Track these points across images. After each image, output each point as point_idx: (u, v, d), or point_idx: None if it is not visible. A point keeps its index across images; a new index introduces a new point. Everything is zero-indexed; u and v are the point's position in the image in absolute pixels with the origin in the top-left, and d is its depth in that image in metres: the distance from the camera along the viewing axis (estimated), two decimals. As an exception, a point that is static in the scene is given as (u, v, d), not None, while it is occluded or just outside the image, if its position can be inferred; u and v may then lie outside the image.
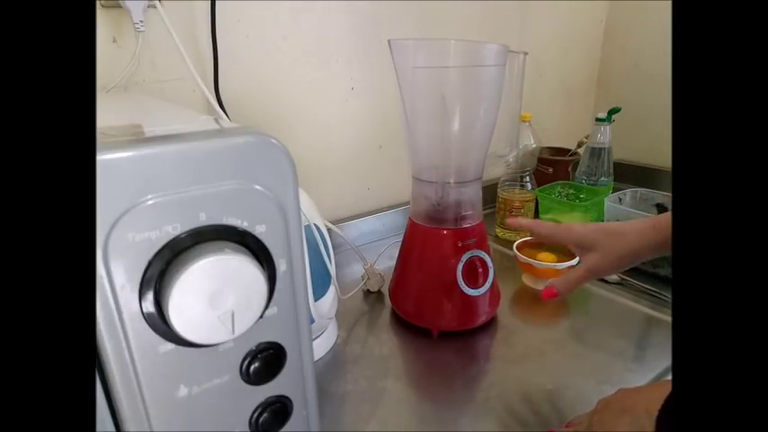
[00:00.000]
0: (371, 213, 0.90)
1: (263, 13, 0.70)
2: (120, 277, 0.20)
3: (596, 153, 0.91)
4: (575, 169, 0.97)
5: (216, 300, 0.21)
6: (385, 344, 0.60)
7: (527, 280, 0.75)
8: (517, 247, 0.74)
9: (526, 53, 0.56)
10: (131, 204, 0.20)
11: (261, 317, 0.24)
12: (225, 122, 0.27)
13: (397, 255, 0.65)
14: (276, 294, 0.25)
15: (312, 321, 0.38)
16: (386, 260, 0.74)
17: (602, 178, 0.91)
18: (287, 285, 0.26)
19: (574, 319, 0.66)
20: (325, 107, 0.81)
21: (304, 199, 0.54)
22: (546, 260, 0.72)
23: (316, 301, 0.52)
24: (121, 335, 0.21)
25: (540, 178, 0.95)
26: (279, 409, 0.27)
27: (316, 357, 0.55)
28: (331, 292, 0.55)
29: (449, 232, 0.59)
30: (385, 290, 0.70)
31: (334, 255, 0.57)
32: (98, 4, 0.58)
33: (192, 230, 0.22)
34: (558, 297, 0.47)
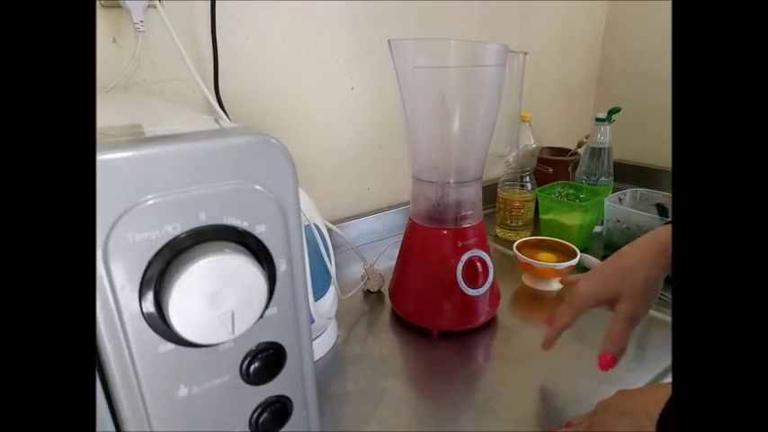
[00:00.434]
0: (371, 213, 0.90)
1: (263, 13, 0.70)
2: (120, 277, 0.20)
3: (596, 153, 0.91)
4: (575, 169, 0.97)
5: (216, 300, 0.21)
6: (385, 344, 0.60)
7: (527, 280, 0.75)
8: (517, 247, 0.74)
9: (526, 53, 0.56)
10: (131, 204, 0.20)
11: (261, 317, 0.24)
12: (225, 122, 0.27)
13: (397, 255, 0.65)
14: (276, 294, 0.25)
15: (312, 321, 0.38)
16: (386, 260, 0.74)
17: (602, 178, 0.91)
18: (287, 285, 0.26)
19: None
20: (325, 107, 0.81)
21: (304, 199, 0.54)
22: (546, 260, 0.72)
23: (316, 301, 0.52)
24: (121, 335, 0.21)
25: (540, 178, 0.95)
26: (279, 409, 0.27)
27: (316, 357, 0.55)
28: (331, 292, 0.55)
29: (449, 232, 0.59)
30: (385, 290, 0.70)
31: (335, 255, 0.57)
32: (98, 4, 0.58)
33: (191, 230, 0.22)
34: (617, 363, 0.45)
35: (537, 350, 0.58)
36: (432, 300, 0.60)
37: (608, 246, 0.83)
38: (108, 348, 0.21)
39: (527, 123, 0.96)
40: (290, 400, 0.28)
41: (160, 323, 0.22)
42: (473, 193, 0.61)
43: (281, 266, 0.25)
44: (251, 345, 0.25)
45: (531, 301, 0.71)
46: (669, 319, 0.63)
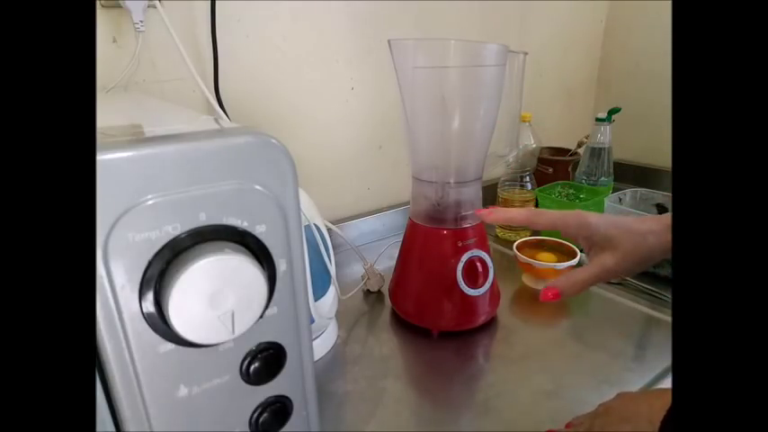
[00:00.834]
0: (371, 213, 0.90)
1: (263, 13, 0.70)
2: (120, 277, 0.20)
3: (596, 153, 0.91)
4: (575, 169, 0.97)
5: (216, 300, 0.21)
6: (385, 344, 0.60)
7: (527, 280, 0.75)
8: (517, 247, 0.74)
9: (526, 53, 0.56)
10: (131, 204, 0.20)
11: (261, 317, 0.24)
12: (225, 122, 0.27)
13: (397, 255, 0.65)
14: (276, 294, 0.25)
15: (312, 321, 0.38)
16: (386, 260, 0.74)
17: (602, 178, 0.91)
18: (287, 285, 0.26)
19: (574, 319, 0.66)
20: (325, 107, 0.81)
21: (304, 199, 0.54)
22: (546, 260, 0.72)
23: (316, 301, 0.52)
24: (121, 335, 0.21)
25: (540, 178, 0.95)
26: (279, 409, 0.27)
27: (316, 357, 0.55)
28: (331, 292, 0.55)
29: (449, 232, 0.59)
30: (385, 290, 0.70)
31: (335, 255, 0.57)
32: (98, 4, 0.58)
33: (191, 230, 0.22)
34: (560, 299, 0.42)
35: (537, 350, 0.59)
36: (432, 300, 0.60)
37: (608, 246, 0.83)
38: (108, 348, 0.21)
39: (527, 123, 0.96)
40: (290, 400, 0.28)
41: (160, 323, 0.22)
42: (473, 193, 0.61)
43: (281, 266, 0.25)
44: (251, 345, 0.25)
45: (531, 301, 0.71)
46: (669, 319, 0.63)
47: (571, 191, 0.91)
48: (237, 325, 0.23)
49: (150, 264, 0.21)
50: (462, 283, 0.58)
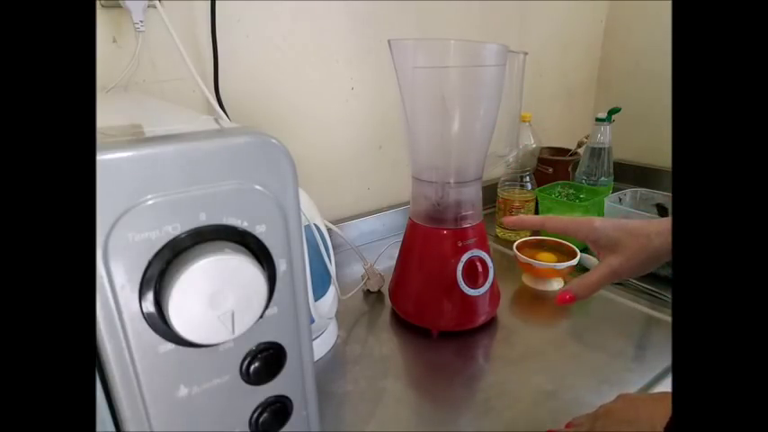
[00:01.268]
0: (371, 213, 0.90)
1: (263, 13, 0.70)
2: (120, 277, 0.20)
3: (596, 153, 0.91)
4: (575, 169, 0.97)
5: (216, 300, 0.21)
6: (385, 344, 0.60)
7: (527, 280, 0.75)
8: (517, 247, 0.74)
9: (526, 53, 0.56)
10: (131, 204, 0.20)
11: (261, 317, 0.24)
12: (225, 122, 0.27)
13: (397, 255, 0.65)
14: (276, 294, 0.25)
15: (312, 321, 0.38)
16: (386, 260, 0.74)
17: (602, 178, 0.91)
18: (287, 285, 0.26)
19: (574, 319, 0.66)
20: (325, 107, 0.81)
21: (304, 199, 0.54)
22: (546, 260, 0.72)
23: (316, 301, 0.52)
24: (121, 335, 0.21)
25: (540, 178, 0.95)
26: (279, 409, 0.27)
27: (316, 357, 0.55)
28: (331, 292, 0.55)
29: (449, 232, 0.59)
30: (385, 290, 0.70)
31: (335, 255, 0.57)
32: (98, 4, 0.58)
33: (191, 230, 0.22)
34: (575, 301, 0.44)
35: (537, 350, 0.59)
36: (432, 300, 0.60)
37: (608, 246, 0.83)
38: (108, 348, 0.21)
39: (527, 123, 0.96)
40: (290, 400, 0.28)
41: (160, 323, 0.22)
42: (473, 193, 0.61)
43: (281, 266, 0.25)
44: (251, 345, 0.25)
45: (531, 301, 0.71)
46: (669, 319, 0.63)
47: (571, 191, 0.91)
48: (237, 325, 0.23)
49: (150, 264, 0.21)
50: (462, 283, 0.58)
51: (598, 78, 1.26)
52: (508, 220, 0.51)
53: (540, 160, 0.99)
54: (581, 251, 0.73)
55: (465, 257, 0.58)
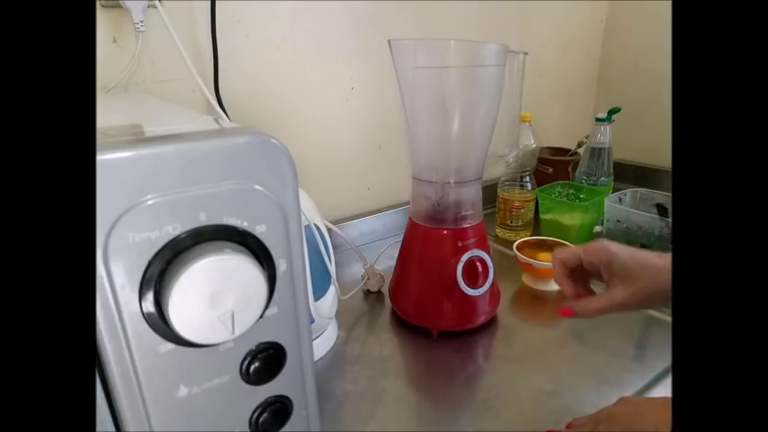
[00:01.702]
0: (371, 213, 0.90)
1: (263, 13, 0.70)
2: (120, 277, 0.20)
3: (596, 153, 0.91)
4: (575, 169, 0.97)
5: (216, 300, 0.21)
6: (385, 344, 0.60)
7: (527, 280, 0.75)
8: (517, 247, 0.74)
9: (526, 53, 0.56)
10: (131, 204, 0.20)
11: (261, 317, 0.24)
12: (225, 122, 0.27)
13: (397, 255, 0.65)
14: (276, 294, 0.25)
15: (312, 321, 0.38)
16: (386, 260, 0.74)
17: (602, 178, 0.91)
18: (287, 285, 0.26)
19: (574, 320, 0.66)
20: (325, 107, 0.81)
21: (304, 199, 0.54)
22: (546, 260, 0.72)
23: (316, 301, 0.52)
24: (121, 335, 0.21)
25: (540, 178, 0.95)
26: (279, 409, 0.27)
27: (316, 357, 0.55)
28: (331, 292, 0.55)
29: (449, 232, 0.59)
30: (385, 290, 0.70)
31: (335, 255, 0.57)
32: (98, 4, 0.58)
33: (191, 230, 0.22)
34: (575, 318, 0.46)
35: (537, 350, 0.59)
36: (432, 300, 0.60)
37: (608, 246, 0.83)
38: (108, 348, 0.21)
39: (527, 123, 0.96)
40: (290, 400, 0.28)
41: (160, 323, 0.22)
42: (473, 193, 0.61)
43: (281, 266, 0.25)
44: (251, 345, 0.25)
45: (531, 301, 0.71)
46: (669, 319, 0.63)
47: (571, 191, 0.91)
48: (237, 325, 0.23)
49: (150, 264, 0.21)
50: (462, 283, 0.58)
51: (598, 78, 1.25)
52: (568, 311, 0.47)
53: (540, 160, 0.99)
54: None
55: (465, 257, 0.58)
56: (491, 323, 0.63)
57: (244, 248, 0.23)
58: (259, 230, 0.24)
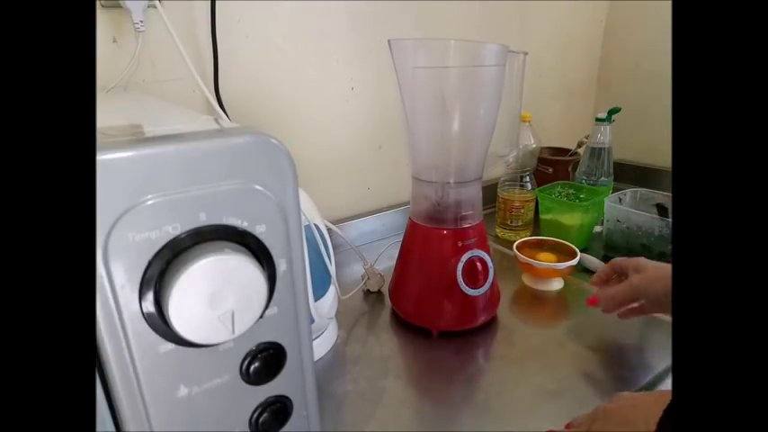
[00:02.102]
0: (371, 213, 0.90)
1: (263, 13, 0.70)
2: (120, 277, 0.20)
3: (596, 153, 0.91)
4: (575, 169, 0.97)
5: (216, 300, 0.21)
6: (385, 344, 0.60)
7: (527, 280, 0.75)
8: (517, 247, 0.74)
9: (526, 53, 0.56)
10: (131, 204, 0.20)
11: (261, 317, 0.24)
12: (225, 122, 0.27)
13: (397, 255, 0.65)
14: (276, 294, 0.25)
15: (312, 321, 0.38)
16: (386, 260, 0.74)
17: (602, 178, 0.91)
18: (287, 285, 0.26)
19: (574, 320, 0.66)
20: (325, 107, 0.81)
21: (304, 199, 0.54)
22: (546, 260, 0.72)
23: (316, 301, 0.52)
24: (121, 335, 0.21)
25: (540, 178, 0.95)
26: (279, 409, 0.27)
27: (316, 357, 0.55)
28: (331, 292, 0.55)
29: (449, 232, 0.59)
30: (385, 290, 0.70)
31: (335, 255, 0.57)
32: (98, 4, 0.58)
33: (191, 230, 0.22)
34: (597, 306, 0.55)
35: (537, 350, 0.59)
36: (432, 300, 0.60)
37: (608, 246, 0.83)
38: (108, 348, 0.21)
39: (527, 123, 0.96)
40: (290, 400, 0.28)
41: (160, 323, 0.22)
42: (473, 193, 0.61)
43: (281, 266, 0.25)
44: (251, 345, 0.25)
45: (531, 301, 0.71)
46: (669, 319, 0.63)
47: (571, 191, 0.91)
48: (237, 325, 0.23)
49: (150, 264, 0.21)
50: (462, 283, 0.58)
51: (598, 78, 1.26)
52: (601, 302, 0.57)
53: (540, 160, 0.99)
54: (581, 251, 0.73)
55: (465, 257, 0.58)
56: (491, 323, 0.63)
57: (244, 248, 0.23)
58: (259, 230, 0.24)
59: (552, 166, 0.98)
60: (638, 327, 0.63)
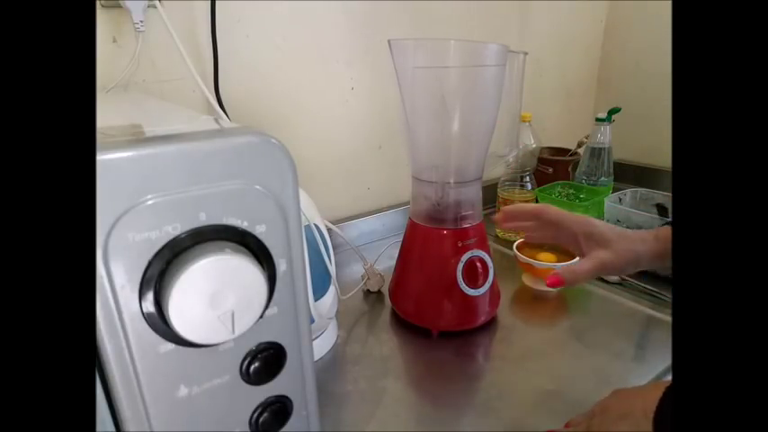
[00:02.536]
0: (371, 213, 0.90)
1: (263, 13, 0.70)
2: (120, 277, 0.20)
3: (596, 153, 0.91)
4: (575, 169, 0.97)
5: (216, 300, 0.21)
6: (385, 344, 0.60)
7: (527, 280, 0.75)
8: (517, 247, 0.74)
9: (526, 53, 0.56)
10: (131, 204, 0.20)
11: (261, 317, 0.24)
12: (225, 122, 0.27)
13: (397, 255, 0.65)
14: (276, 294, 0.25)
15: (312, 321, 0.38)
16: (386, 260, 0.74)
17: (602, 178, 0.91)
18: (287, 285, 0.26)
19: (574, 319, 0.66)
20: (325, 107, 0.81)
21: (304, 199, 0.54)
22: (546, 260, 0.72)
23: (316, 301, 0.52)
24: (121, 335, 0.21)
25: (540, 178, 0.95)
26: (279, 409, 0.27)
27: (316, 357, 0.55)
28: (331, 292, 0.55)
29: (449, 232, 0.59)
30: (385, 290, 0.70)
31: (335, 255, 0.57)
32: (98, 4, 0.58)
33: (191, 230, 0.22)
34: (563, 286, 0.47)
35: (537, 350, 0.59)
36: (432, 300, 0.60)
37: (608, 246, 0.83)
38: (108, 348, 0.21)
39: (527, 123, 0.96)
40: (290, 400, 0.28)
41: (160, 323, 0.22)
42: (473, 193, 0.61)
43: (281, 266, 0.25)
44: (251, 345, 0.25)
45: (531, 301, 0.71)
46: (669, 319, 0.63)
47: (571, 191, 0.91)
48: (237, 325, 0.23)
49: (150, 264, 0.21)
50: (462, 283, 0.58)
51: (598, 78, 1.25)
52: (506, 212, 0.53)
53: (540, 160, 0.99)
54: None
55: (465, 257, 0.58)
56: (491, 323, 0.63)
57: (244, 248, 0.23)
58: (259, 230, 0.24)
59: (552, 166, 0.98)
60: (639, 327, 0.63)
